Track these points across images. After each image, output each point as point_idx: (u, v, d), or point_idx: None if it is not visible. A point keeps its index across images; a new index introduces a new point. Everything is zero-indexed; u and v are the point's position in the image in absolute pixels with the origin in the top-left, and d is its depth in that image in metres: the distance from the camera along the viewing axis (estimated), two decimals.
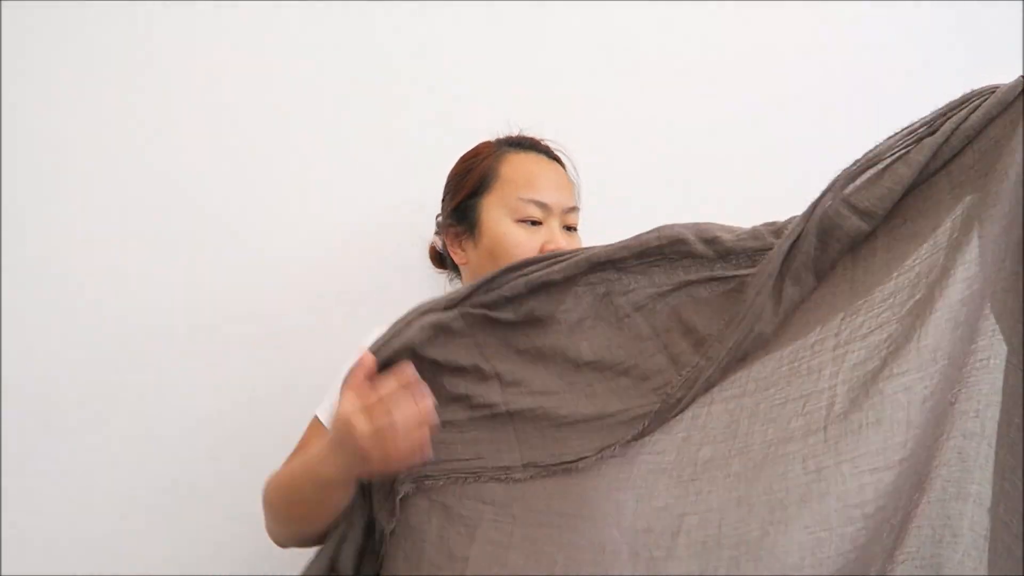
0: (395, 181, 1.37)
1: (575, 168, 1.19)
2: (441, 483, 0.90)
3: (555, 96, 1.41)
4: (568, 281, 0.92)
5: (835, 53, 1.47)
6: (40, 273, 1.30)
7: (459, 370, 0.91)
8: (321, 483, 0.89)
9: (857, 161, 0.86)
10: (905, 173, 0.83)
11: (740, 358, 0.89)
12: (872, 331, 0.85)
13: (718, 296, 0.90)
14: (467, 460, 0.85)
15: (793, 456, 0.85)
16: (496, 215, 1.09)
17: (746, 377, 0.89)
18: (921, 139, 0.83)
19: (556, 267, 0.91)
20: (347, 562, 0.91)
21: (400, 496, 0.91)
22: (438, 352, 0.90)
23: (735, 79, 1.44)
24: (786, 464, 0.85)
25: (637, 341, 0.91)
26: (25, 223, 1.31)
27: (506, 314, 0.91)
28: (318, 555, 0.93)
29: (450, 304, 0.91)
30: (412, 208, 1.32)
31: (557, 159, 1.18)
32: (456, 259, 1.15)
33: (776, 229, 0.91)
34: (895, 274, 0.85)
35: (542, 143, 1.18)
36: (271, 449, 1.20)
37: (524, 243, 1.07)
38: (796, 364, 0.87)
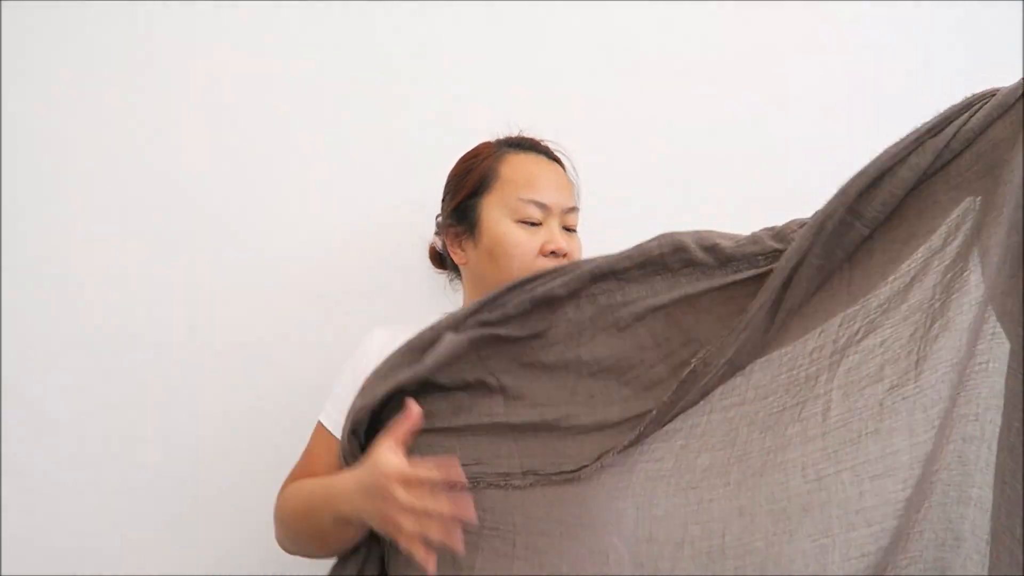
0: (395, 181, 1.37)
1: (575, 168, 1.19)
2: None
3: (555, 96, 1.40)
4: (572, 295, 0.92)
5: (835, 53, 1.46)
6: (40, 273, 1.30)
7: (464, 385, 0.92)
8: (340, 519, 0.91)
9: (866, 171, 0.84)
10: (907, 177, 0.83)
11: (739, 367, 0.89)
12: (867, 336, 0.85)
13: (719, 305, 0.90)
14: (466, 465, 0.85)
15: (792, 464, 0.85)
16: (496, 215, 1.09)
17: (745, 385, 0.89)
18: (923, 142, 0.83)
19: (559, 281, 0.91)
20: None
21: None
22: (445, 378, 0.91)
23: (735, 79, 1.44)
24: (786, 472, 0.85)
25: (638, 351, 0.92)
26: (25, 223, 1.31)
27: (512, 330, 0.92)
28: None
29: (456, 324, 0.91)
30: (412, 208, 1.32)
31: (557, 159, 1.18)
32: (456, 259, 1.15)
33: (776, 233, 0.90)
34: (891, 278, 0.85)
35: (542, 143, 1.18)
36: (271, 448, 1.20)
37: (524, 243, 1.07)
38: (794, 372, 0.88)
